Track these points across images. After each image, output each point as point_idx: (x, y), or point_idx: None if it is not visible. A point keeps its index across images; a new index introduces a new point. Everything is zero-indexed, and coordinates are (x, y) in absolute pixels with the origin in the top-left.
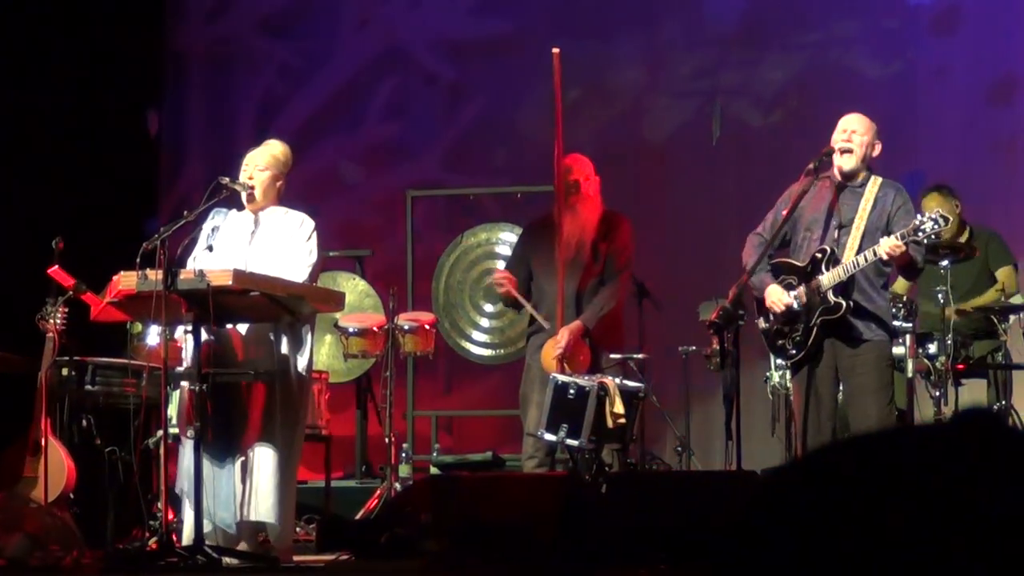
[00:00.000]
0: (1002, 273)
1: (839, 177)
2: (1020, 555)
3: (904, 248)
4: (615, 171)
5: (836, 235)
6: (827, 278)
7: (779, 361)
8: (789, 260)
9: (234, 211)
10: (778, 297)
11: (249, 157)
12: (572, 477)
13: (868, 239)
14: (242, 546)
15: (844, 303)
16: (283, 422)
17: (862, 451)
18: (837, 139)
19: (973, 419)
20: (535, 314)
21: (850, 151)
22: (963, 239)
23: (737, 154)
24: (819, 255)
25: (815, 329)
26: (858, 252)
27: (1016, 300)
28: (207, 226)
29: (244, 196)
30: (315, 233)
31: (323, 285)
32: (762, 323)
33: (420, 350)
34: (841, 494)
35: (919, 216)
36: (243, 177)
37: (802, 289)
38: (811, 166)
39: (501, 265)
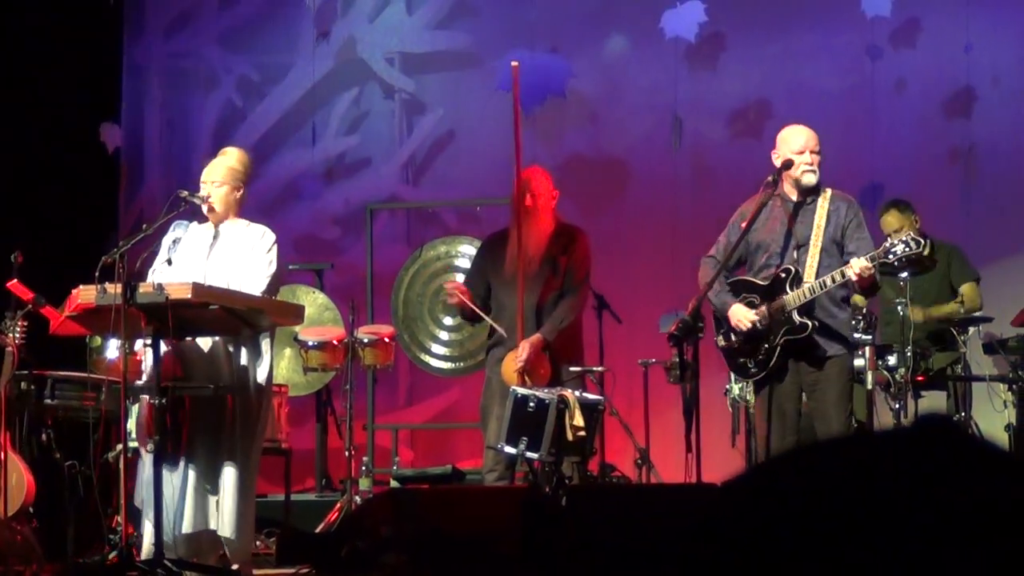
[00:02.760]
0: (966, 289)
1: (791, 193)
2: (978, 558)
3: (873, 270)
4: (574, 184)
5: (795, 254)
6: (791, 298)
7: None
8: (749, 279)
9: (195, 223)
10: (744, 315)
11: (206, 172)
12: (532, 490)
13: (826, 255)
14: (202, 559)
15: (810, 323)
16: (242, 435)
17: (820, 458)
18: (799, 161)
19: (931, 425)
20: (491, 322)
21: (812, 170)
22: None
23: (696, 166)
24: (782, 275)
25: (778, 348)
26: (818, 268)
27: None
28: (168, 239)
29: (204, 209)
30: (275, 246)
31: (283, 298)
32: (721, 341)
33: (380, 363)
34: (799, 500)
35: (889, 239)
36: (202, 192)
37: (764, 308)
38: (770, 179)
39: (460, 279)
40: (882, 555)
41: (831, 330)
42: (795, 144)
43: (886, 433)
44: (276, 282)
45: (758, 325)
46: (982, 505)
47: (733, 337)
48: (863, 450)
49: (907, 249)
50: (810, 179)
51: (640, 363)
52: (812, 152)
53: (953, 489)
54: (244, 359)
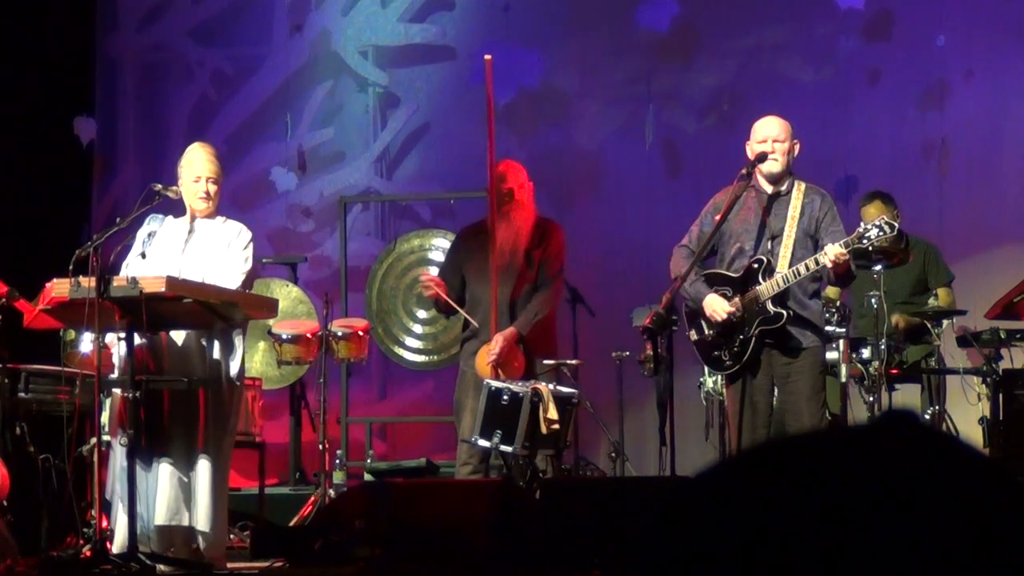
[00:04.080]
0: (941, 293)
1: (764, 185)
2: (941, 554)
3: (847, 256)
4: (548, 177)
5: (769, 245)
6: (765, 288)
7: None
8: (722, 271)
9: (170, 217)
10: (720, 306)
11: (198, 168)
12: (506, 483)
13: (799, 247)
14: (175, 552)
15: (784, 312)
16: (215, 429)
17: (787, 451)
18: (756, 146)
19: (897, 419)
20: (465, 315)
21: (774, 158)
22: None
23: (670, 159)
24: (755, 265)
25: (753, 339)
26: (791, 260)
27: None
28: (142, 232)
29: (197, 207)
30: (252, 244)
31: (257, 292)
32: (694, 335)
33: (354, 356)
34: (764, 493)
35: (863, 224)
36: (196, 188)
37: (737, 299)
38: (744, 171)
39: (434, 271)
40: (846, 549)
41: (804, 321)
42: (760, 134)
43: (851, 428)
44: (251, 278)
45: (733, 317)
46: (945, 500)
47: (706, 330)
48: (828, 445)
49: (880, 233)
50: (771, 167)
51: (614, 356)
52: (776, 141)
53: (916, 484)
54: (217, 352)
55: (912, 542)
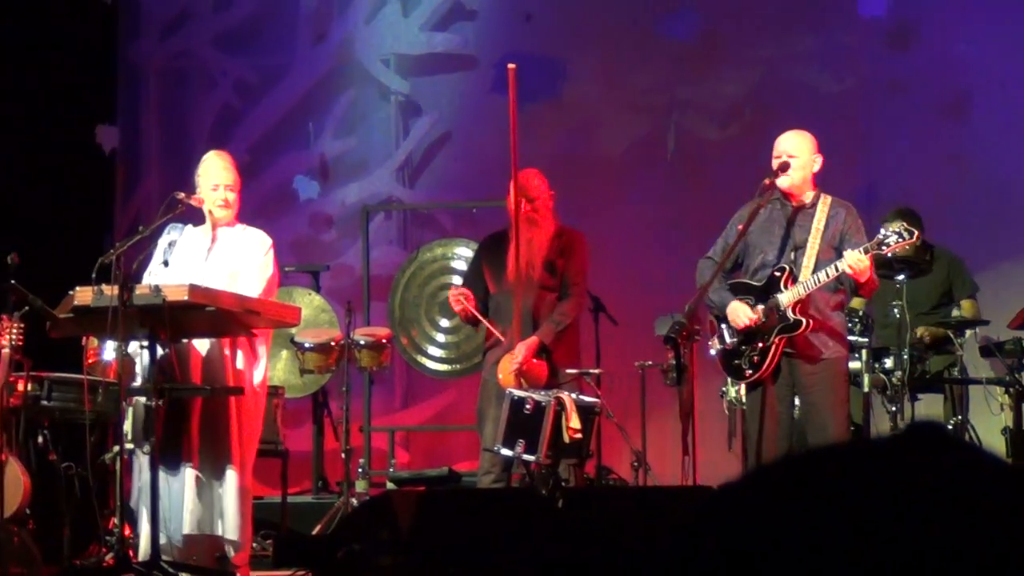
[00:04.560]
0: (965, 305)
1: (788, 198)
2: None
3: (867, 262)
4: (571, 186)
5: (792, 256)
6: (786, 296)
7: None
8: (745, 280)
9: (191, 226)
10: (743, 312)
11: (215, 176)
12: (529, 492)
13: (823, 258)
14: (198, 561)
15: (804, 320)
16: (239, 437)
17: (812, 464)
18: (773, 160)
19: (922, 431)
20: (491, 328)
21: (786, 172)
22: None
23: (693, 168)
24: (777, 274)
25: (773, 347)
26: (814, 271)
27: None
28: (163, 241)
29: (217, 215)
30: (273, 251)
31: (279, 300)
32: (716, 345)
33: (376, 365)
34: (789, 507)
35: (883, 230)
36: (215, 196)
37: (760, 308)
38: (766, 182)
39: (457, 280)
40: (872, 562)
41: (826, 330)
42: (775, 149)
43: (878, 440)
44: (272, 286)
45: (755, 324)
46: (972, 511)
47: (728, 338)
48: (856, 458)
49: (899, 239)
50: (780, 181)
51: (636, 365)
52: (789, 156)
53: (943, 496)
54: (240, 360)
55: (939, 553)
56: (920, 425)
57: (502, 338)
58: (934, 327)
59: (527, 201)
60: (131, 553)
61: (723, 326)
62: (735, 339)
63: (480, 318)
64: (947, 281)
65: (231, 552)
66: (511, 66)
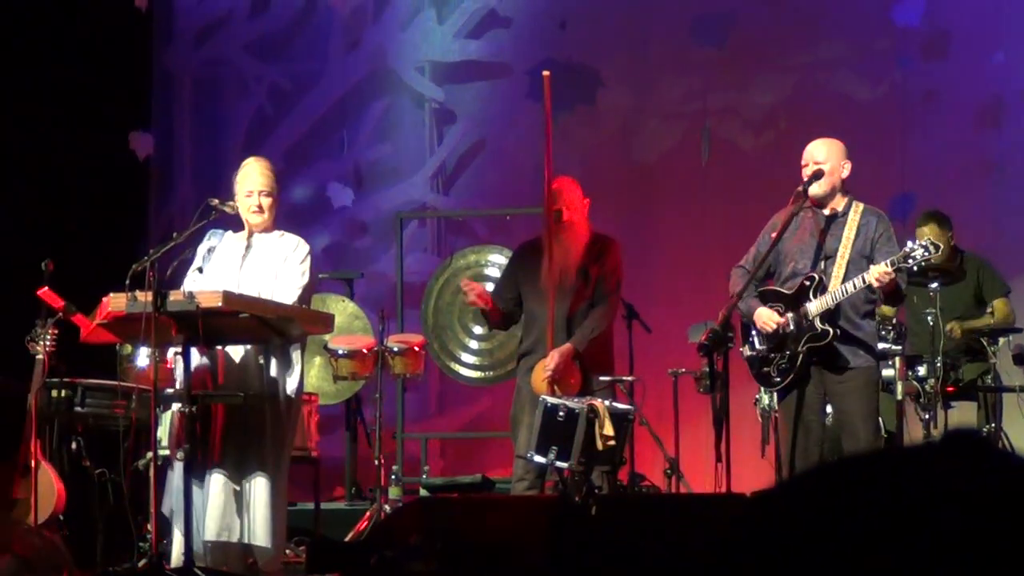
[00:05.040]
0: (998, 304)
1: (818, 206)
2: (1005, 571)
3: (893, 275)
4: (604, 193)
5: (823, 265)
6: (815, 305)
7: None
8: (776, 288)
9: (231, 232)
10: (769, 317)
11: (250, 182)
12: (562, 499)
13: (853, 267)
14: (232, 567)
15: (831, 330)
16: (272, 444)
17: (849, 473)
18: (803, 170)
19: (959, 439)
20: (484, 309)
21: (819, 180)
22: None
23: (726, 176)
24: (807, 283)
25: (801, 356)
26: (844, 280)
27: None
28: (202, 247)
29: (253, 220)
30: (309, 257)
31: (313, 307)
32: (747, 351)
33: (410, 372)
34: (827, 516)
35: (909, 243)
36: (249, 202)
37: (790, 315)
38: (799, 189)
39: (490, 287)
40: (910, 571)
41: (855, 340)
42: (803, 157)
43: (914, 448)
44: (308, 293)
45: (782, 330)
46: (1009, 518)
47: (758, 345)
48: (892, 465)
49: (925, 254)
50: (812, 190)
51: (670, 373)
52: (816, 164)
53: (983, 504)
54: (274, 368)
55: (976, 560)
56: (957, 433)
57: (486, 306)
58: (964, 325)
59: (561, 209)
60: (164, 560)
61: (753, 333)
62: (764, 347)
63: (488, 305)
64: (978, 285)
65: (260, 559)
66: (545, 73)
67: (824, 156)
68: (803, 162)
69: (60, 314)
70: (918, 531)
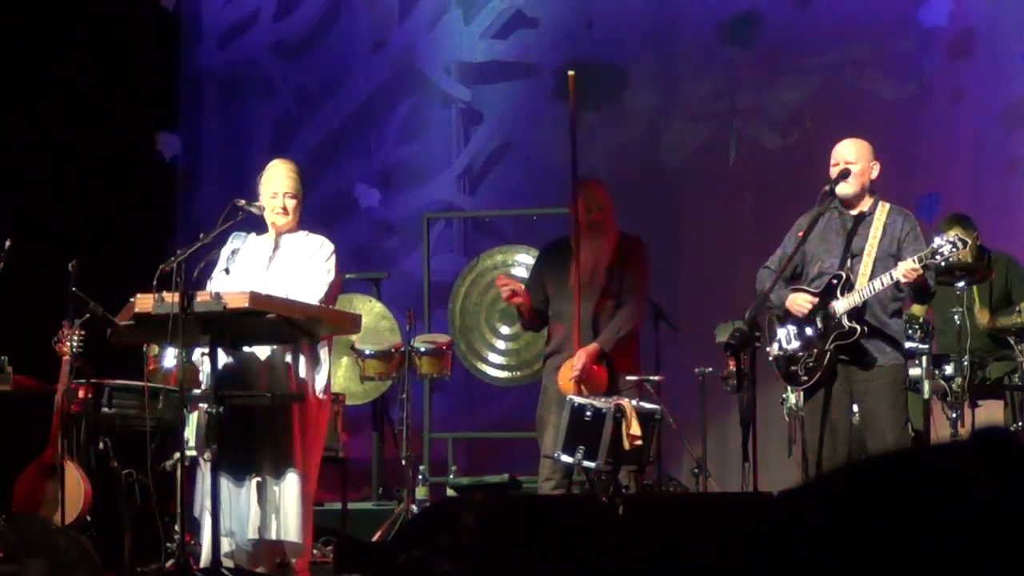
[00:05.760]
0: None
1: (846, 206)
2: None
3: (920, 271)
4: (630, 193)
5: (849, 264)
6: (842, 304)
7: None
8: (803, 287)
9: (253, 234)
10: (802, 298)
11: (275, 184)
12: (589, 499)
13: (880, 266)
14: (260, 568)
15: (859, 328)
16: (300, 444)
17: (877, 471)
18: (831, 168)
19: (988, 438)
20: (523, 310)
21: (848, 181)
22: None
23: (753, 176)
24: (834, 281)
25: (828, 354)
26: (871, 279)
27: None
28: (226, 249)
29: (277, 222)
30: (334, 256)
31: (339, 307)
32: (774, 351)
33: (436, 372)
34: (854, 514)
35: (937, 239)
36: (274, 204)
37: (818, 312)
38: (826, 189)
39: None
40: (939, 568)
41: (883, 337)
42: (832, 157)
43: (942, 446)
44: (333, 291)
45: (818, 323)
46: None
47: (785, 344)
48: (920, 464)
49: (953, 249)
50: (843, 189)
51: (697, 372)
52: (847, 163)
53: (1010, 501)
54: (302, 368)
55: (1006, 558)
56: (985, 431)
57: (523, 300)
58: (995, 319)
59: (588, 209)
60: (192, 560)
61: (781, 331)
62: (792, 345)
63: (525, 302)
64: (1006, 284)
65: (292, 559)
66: (571, 73)
67: (855, 156)
68: (833, 161)
69: (87, 315)
70: (947, 529)
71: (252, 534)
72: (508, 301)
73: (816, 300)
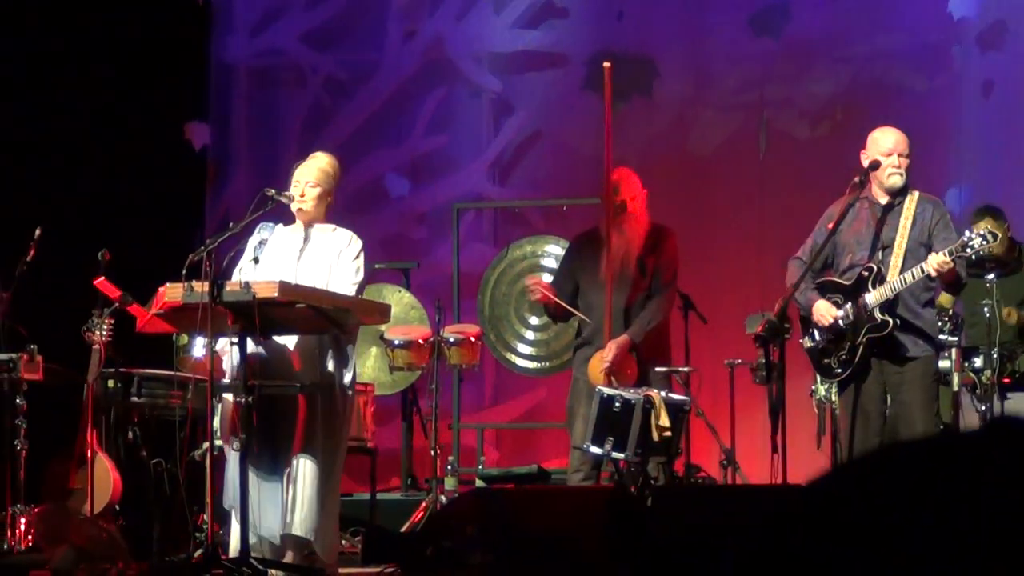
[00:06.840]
0: None
1: (879, 196)
2: None
3: (952, 264)
4: (660, 184)
5: (880, 255)
6: (873, 296)
7: None
8: (834, 279)
9: (281, 225)
10: (826, 310)
11: (299, 172)
12: (618, 490)
13: (911, 256)
14: (288, 558)
15: (891, 320)
16: (326, 435)
17: (896, 460)
18: (886, 163)
19: (1004, 428)
20: (577, 314)
21: (899, 173)
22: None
23: (783, 167)
24: (865, 273)
25: (861, 347)
26: (902, 270)
27: None
28: (254, 239)
29: (294, 209)
30: (363, 253)
31: (369, 297)
32: (807, 342)
33: (466, 363)
34: (879, 502)
35: (967, 232)
36: (295, 192)
37: (849, 307)
38: (857, 180)
39: (547, 278)
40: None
41: (915, 329)
42: (884, 146)
43: (959, 435)
44: (362, 290)
45: (840, 323)
46: None
47: (818, 337)
48: (938, 452)
49: (984, 242)
50: (895, 181)
51: (726, 364)
52: (900, 155)
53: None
54: (330, 358)
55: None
56: (1001, 421)
57: (590, 321)
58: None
59: (619, 200)
60: (220, 550)
61: (813, 326)
62: (823, 337)
63: (564, 305)
64: None
65: (316, 549)
66: (607, 65)
67: (907, 148)
68: (885, 151)
69: (116, 304)
70: (967, 517)
71: (277, 526)
72: (539, 302)
73: (840, 314)
